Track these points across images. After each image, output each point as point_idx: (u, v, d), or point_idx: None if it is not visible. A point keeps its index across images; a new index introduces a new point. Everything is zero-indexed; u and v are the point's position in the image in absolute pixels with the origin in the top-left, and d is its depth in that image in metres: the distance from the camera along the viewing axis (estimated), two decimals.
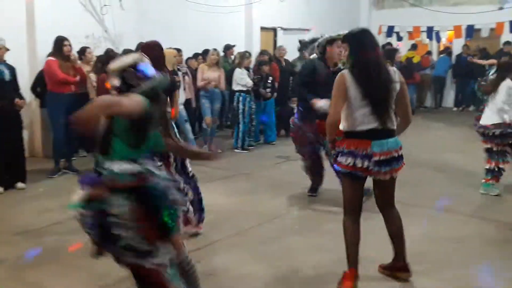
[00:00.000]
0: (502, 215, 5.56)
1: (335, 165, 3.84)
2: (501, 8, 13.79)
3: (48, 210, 5.69)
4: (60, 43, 7.14)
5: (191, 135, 8.31)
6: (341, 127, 3.66)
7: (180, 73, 8.25)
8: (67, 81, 7.10)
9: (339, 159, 3.64)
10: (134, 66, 2.91)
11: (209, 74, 8.63)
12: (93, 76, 7.60)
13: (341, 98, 3.56)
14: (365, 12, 16.31)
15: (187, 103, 8.49)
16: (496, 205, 5.91)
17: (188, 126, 8.22)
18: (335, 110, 3.57)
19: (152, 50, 4.65)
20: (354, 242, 3.71)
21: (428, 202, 5.90)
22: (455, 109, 14.67)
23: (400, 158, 3.68)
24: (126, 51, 7.76)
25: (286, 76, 10.75)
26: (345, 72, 3.60)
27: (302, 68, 6.28)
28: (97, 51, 8.43)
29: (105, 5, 9.14)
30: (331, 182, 5.85)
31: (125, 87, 2.88)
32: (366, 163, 3.56)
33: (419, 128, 10.40)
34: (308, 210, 5.71)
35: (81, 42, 8.50)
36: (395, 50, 7.89)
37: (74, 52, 7.47)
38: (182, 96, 8.14)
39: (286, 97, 10.61)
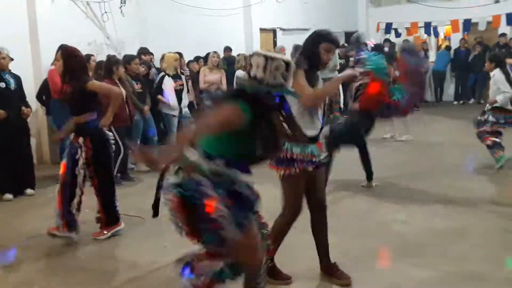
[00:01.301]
0: (500, 206, 5.57)
1: None
2: (497, 1, 13.80)
3: None
4: None
5: None
6: None
7: (183, 76, 8.33)
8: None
9: None
10: None
11: (210, 77, 8.69)
12: None
13: None
14: (363, 10, 16.30)
15: (190, 105, 8.54)
16: (495, 195, 5.94)
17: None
18: None
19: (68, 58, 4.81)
20: None
21: (427, 195, 5.92)
22: (455, 102, 14.66)
23: None
24: (127, 57, 7.84)
25: None
26: None
27: None
28: (100, 57, 8.47)
29: (106, 12, 9.17)
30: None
31: None
32: None
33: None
34: None
35: (84, 49, 8.50)
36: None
37: None
38: (185, 98, 8.19)
39: None
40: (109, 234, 4.90)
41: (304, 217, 3.77)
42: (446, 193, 5.96)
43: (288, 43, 12.18)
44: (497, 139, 6.76)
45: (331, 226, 3.88)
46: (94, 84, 4.84)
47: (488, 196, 5.89)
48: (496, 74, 6.82)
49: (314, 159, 3.56)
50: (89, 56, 8.22)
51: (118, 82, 6.97)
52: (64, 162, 4.83)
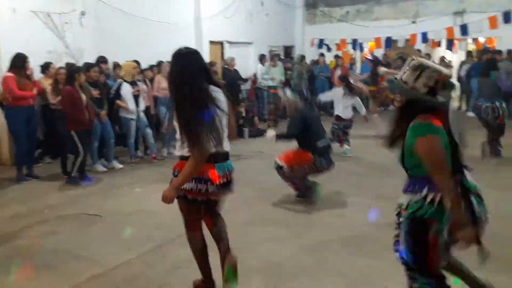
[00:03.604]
0: None
1: None
2: (414, 22, 14.30)
3: (18, 215, 5.27)
4: (22, 60, 6.60)
5: (151, 139, 8.01)
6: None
7: (139, 83, 7.94)
8: (24, 97, 6.64)
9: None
10: None
11: (165, 84, 8.34)
12: (48, 87, 7.10)
13: None
14: (299, 27, 16.43)
15: (147, 110, 8.16)
16: None
17: (148, 131, 7.93)
18: None
19: None
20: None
21: (368, 193, 5.85)
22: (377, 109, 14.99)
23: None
24: (87, 65, 7.39)
25: (235, 83, 10.72)
26: None
27: None
28: (59, 65, 7.93)
29: (66, 23, 8.65)
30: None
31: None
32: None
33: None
34: (262, 204, 5.55)
35: (44, 57, 8.01)
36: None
37: (32, 67, 6.95)
38: (141, 103, 7.82)
39: (236, 103, 10.53)
40: None
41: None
42: (388, 191, 5.90)
43: (234, 54, 12.03)
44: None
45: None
46: None
47: None
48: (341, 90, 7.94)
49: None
50: (48, 64, 7.72)
51: (79, 88, 6.54)
52: None
